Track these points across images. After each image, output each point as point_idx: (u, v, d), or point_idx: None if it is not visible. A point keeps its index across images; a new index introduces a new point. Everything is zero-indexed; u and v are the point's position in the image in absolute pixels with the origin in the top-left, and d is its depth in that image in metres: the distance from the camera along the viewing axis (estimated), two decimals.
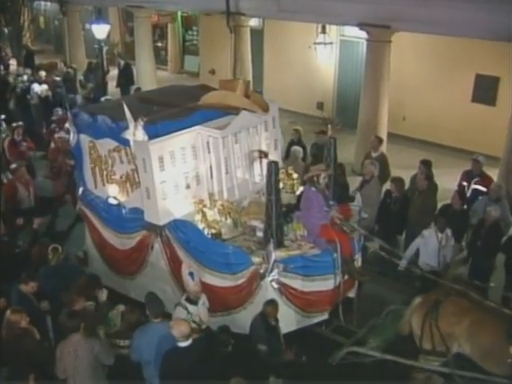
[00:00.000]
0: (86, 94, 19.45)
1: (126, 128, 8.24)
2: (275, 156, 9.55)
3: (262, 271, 7.71)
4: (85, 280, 8.18)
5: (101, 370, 7.16)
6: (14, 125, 13.48)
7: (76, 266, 9.34)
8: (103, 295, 8.18)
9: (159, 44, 27.16)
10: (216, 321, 8.25)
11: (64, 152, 11.82)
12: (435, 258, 8.95)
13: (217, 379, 6.55)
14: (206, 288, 8.22)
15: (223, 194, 8.71)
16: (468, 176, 10.87)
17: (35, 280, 7.92)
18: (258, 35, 20.19)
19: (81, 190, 9.71)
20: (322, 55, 18.30)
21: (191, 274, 7.53)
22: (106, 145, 8.93)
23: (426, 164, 10.78)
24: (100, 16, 18.73)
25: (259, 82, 19.87)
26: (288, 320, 8.04)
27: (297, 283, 7.93)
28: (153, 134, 8.06)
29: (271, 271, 7.68)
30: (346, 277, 8.34)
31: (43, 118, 16.28)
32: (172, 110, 8.46)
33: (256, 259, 7.78)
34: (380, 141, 12.35)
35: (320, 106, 18.90)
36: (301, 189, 9.28)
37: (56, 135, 12.57)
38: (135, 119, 8.02)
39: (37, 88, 17.34)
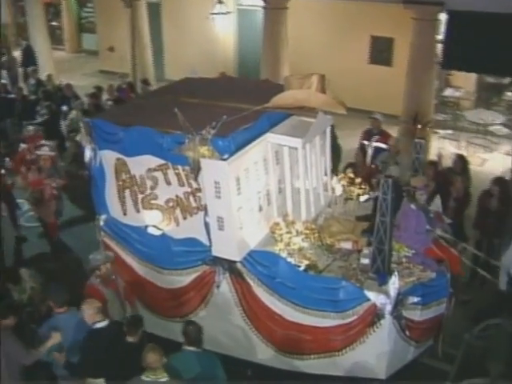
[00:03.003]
0: None
1: (180, 142, 6.51)
2: (327, 158, 8.17)
3: (383, 310, 6.42)
4: None
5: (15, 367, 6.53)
6: None
7: None
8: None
9: (54, 23, 25.31)
10: (309, 364, 7.00)
11: (46, 172, 9.65)
12: None
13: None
14: (297, 329, 6.93)
15: (301, 213, 7.25)
16: (368, 134, 11.03)
17: None
18: (155, 9, 19.91)
19: (103, 217, 7.75)
20: (220, 25, 18.30)
21: None
22: (144, 163, 7.07)
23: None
24: None
25: (160, 57, 19.79)
26: (402, 355, 6.91)
27: (415, 314, 6.73)
28: (226, 150, 6.39)
29: (395, 307, 6.43)
30: None
31: None
32: (235, 116, 6.72)
33: (373, 294, 6.47)
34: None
35: (223, 75, 18.05)
36: (365, 196, 8.07)
37: (38, 152, 10.12)
38: (197, 131, 6.32)
39: None
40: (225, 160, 6.33)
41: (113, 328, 6.44)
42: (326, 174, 7.97)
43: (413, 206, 7.13)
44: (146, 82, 16.14)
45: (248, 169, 6.68)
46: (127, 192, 7.40)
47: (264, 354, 7.25)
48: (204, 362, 6.19)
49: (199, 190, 6.85)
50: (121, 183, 7.39)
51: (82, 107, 13.91)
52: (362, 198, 8.05)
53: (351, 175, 8.19)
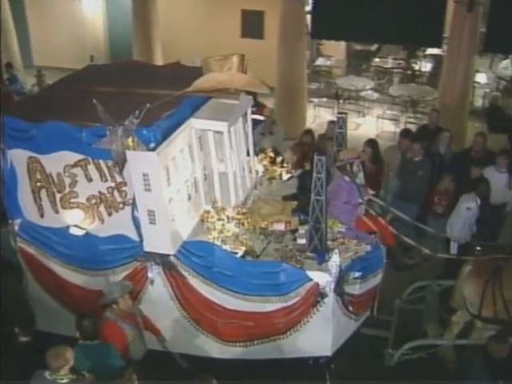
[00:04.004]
0: None
1: (101, 135, 6.09)
2: (249, 139, 7.97)
3: (325, 288, 6.39)
4: None
5: None
6: None
7: None
8: None
9: None
10: (253, 350, 6.89)
11: None
12: (473, 227, 8.28)
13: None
14: (238, 316, 6.78)
15: (230, 197, 7.05)
16: None
17: None
18: None
19: (17, 222, 7.16)
20: (88, 6, 18.06)
21: None
22: (61, 159, 6.58)
23: None
24: None
25: (26, 43, 18.71)
26: (345, 329, 6.96)
27: (355, 288, 6.80)
28: (151, 140, 6.10)
29: (337, 284, 6.42)
30: None
31: None
32: (158, 103, 6.31)
33: (315, 273, 6.42)
34: None
35: (92, 58, 17.47)
36: (288, 175, 8.00)
37: None
38: (118, 122, 5.94)
39: None
40: (152, 150, 6.02)
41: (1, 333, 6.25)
42: (248, 155, 7.81)
43: (347, 179, 7.17)
44: (9, 65, 15.19)
45: (175, 157, 6.39)
46: (43, 192, 6.87)
47: (205, 345, 7.06)
48: (91, 354, 5.96)
49: (124, 183, 6.49)
50: (35, 183, 6.85)
51: None
52: (285, 177, 7.98)
53: (272, 154, 8.09)
